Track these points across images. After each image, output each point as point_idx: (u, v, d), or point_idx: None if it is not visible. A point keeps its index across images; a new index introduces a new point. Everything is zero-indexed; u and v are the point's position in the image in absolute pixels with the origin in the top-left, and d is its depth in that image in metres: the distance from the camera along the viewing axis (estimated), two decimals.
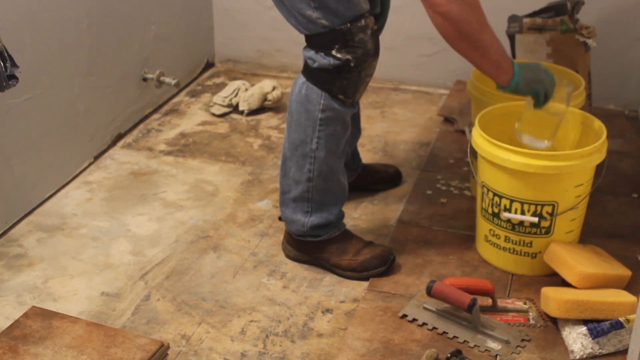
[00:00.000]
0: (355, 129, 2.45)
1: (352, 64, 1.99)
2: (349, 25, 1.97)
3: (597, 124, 2.16)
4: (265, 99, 3.15)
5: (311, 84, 2.05)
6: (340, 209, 2.21)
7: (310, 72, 2.05)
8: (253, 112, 3.15)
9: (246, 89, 3.20)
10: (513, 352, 1.89)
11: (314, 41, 2.01)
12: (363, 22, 1.98)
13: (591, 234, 2.28)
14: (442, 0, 1.88)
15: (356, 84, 2.04)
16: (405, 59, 3.36)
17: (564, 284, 2.04)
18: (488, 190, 2.13)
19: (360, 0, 1.98)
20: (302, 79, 2.08)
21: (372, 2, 2.10)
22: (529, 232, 2.11)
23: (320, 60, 2.01)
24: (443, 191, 2.57)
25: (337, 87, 2.03)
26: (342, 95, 2.04)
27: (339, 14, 1.96)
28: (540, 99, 2.07)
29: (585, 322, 1.91)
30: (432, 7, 1.90)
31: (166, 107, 3.21)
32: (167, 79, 3.10)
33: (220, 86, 3.39)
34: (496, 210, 2.12)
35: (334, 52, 1.98)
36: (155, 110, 3.17)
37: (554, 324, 1.98)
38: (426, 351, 1.87)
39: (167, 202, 2.56)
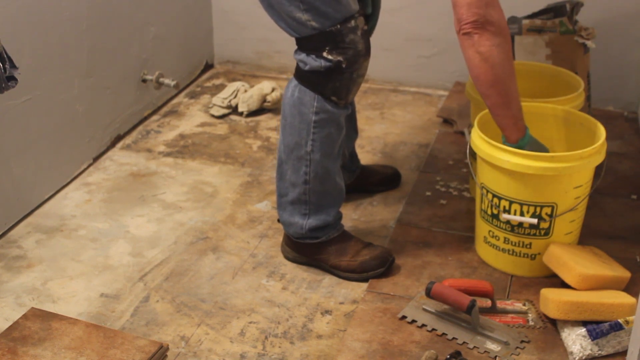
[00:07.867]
0: (352, 130, 2.45)
1: (343, 65, 1.99)
2: (339, 26, 1.96)
3: (597, 125, 2.16)
4: (264, 100, 3.15)
5: (303, 86, 2.05)
6: (338, 210, 2.21)
7: (302, 75, 2.04)
8: (252, 114, 3.15)
9: (245, 90, 3.20)
10: (512, 354, 1.89)
11: (305, 44, 2.01)
12: (353, 22, 1.98)
13: (590, 236, 2.28)
14: (486, 41, 1.89)
15: (348, 85, 2.03)
16: (404, 61, 3.36)
17: (563, 285, 2.04)
18: (487, 191, 2.13)
19: (349, 1, 1.97)
20: (294, 82, 2.07)
21: (363, 3, 2.09)
22: (528, 234, 2.11)
23: (312, 62, 2.00)
24: (442, 192, 2.57)
25: (330, 89, 2.02)
26: (334, 97, 2.04)
27: (328, 15, 1.95)
28: None
29: (584, 323, 1.91)
30: (474, 46, 1.90)
31: (165, 109, 3.21)
32: (167, 81, 3.10)
33: (220, 87, 3.39)
34: (495, 212, 2.12)
35: (325, 54, 1.98)
36: (154, 112, 3.17)
37: (553, 326, 1.98)
38: (425, 352, 1.87)
39: (166, 204, 2.56)
